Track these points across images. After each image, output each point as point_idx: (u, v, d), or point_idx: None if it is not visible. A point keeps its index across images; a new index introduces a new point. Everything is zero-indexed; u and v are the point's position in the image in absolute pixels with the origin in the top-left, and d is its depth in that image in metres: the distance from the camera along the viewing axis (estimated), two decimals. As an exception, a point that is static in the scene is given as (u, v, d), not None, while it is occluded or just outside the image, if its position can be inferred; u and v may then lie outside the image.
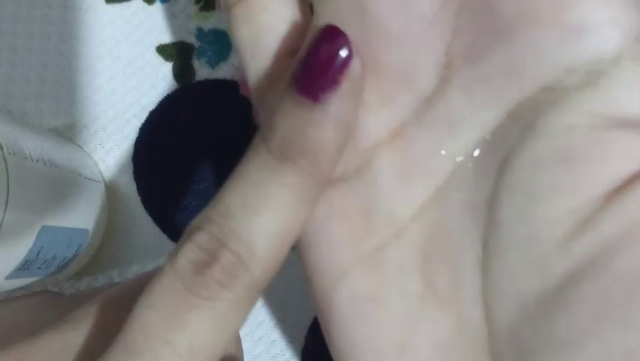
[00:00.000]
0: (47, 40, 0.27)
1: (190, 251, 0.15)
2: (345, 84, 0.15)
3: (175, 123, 0.27)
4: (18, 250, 0.20)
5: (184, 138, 0.27)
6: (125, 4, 0.27)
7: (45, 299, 0.23)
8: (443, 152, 0.17)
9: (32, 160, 0.21)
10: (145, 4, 0.27)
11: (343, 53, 0.15)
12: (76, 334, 0.17)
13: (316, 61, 0.16)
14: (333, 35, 0.16)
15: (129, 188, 0.27)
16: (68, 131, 0.27)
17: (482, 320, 0.16)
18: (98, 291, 0.20)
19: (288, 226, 0.16)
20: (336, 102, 0.15)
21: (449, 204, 0.17)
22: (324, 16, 0.17)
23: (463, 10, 0.16)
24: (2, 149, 0.19)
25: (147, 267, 0.26)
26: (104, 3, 0.27)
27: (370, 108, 0.17)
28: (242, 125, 0.27)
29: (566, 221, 0.15)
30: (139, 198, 0.27)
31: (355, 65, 0.16)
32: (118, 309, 0.16)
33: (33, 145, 0.21)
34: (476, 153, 0.16)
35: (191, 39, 0.27)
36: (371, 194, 0.17)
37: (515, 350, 0.15)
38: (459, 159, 0.17)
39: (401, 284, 0.17)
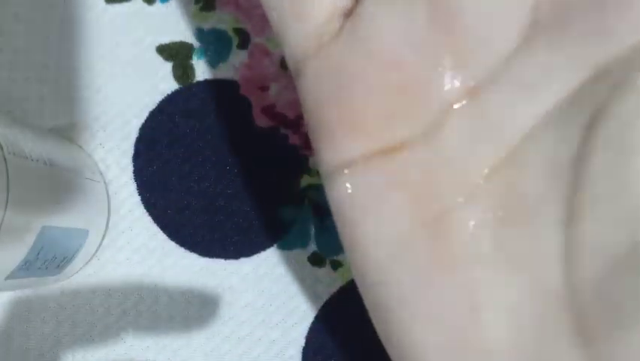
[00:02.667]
0: (47, 40, 0.27)
1: None
2: None
3: (175, 123, 0.27)
4: (18, 250, 0.20)
5: (184, 138, 0.27)
6: (125, 4, 0.27)
7: None
8: (519, 112, 0.16)
9: (32, 160, 0.21)
10: (145, 4, 0.27)
11: None
12: None
13: None
14: None
15: (129, 188, 0.27)
16: (68, 132, 0.27)
17: (560, 279, 0.16)
18: None
19: None
20: None
21: (525, 165, 0.16)
22: None
23: None
24: (2, 149, 0.19)
25: (147, 267, 0.26)
26: (104, 3, 0.27)
27: (444, 69, 0.16)
28: (242, 125, 0.27)
29: None
30: (139, 198, 0.27)
31: None
32: None
33: (33, 145, 0.21)
34: (558, 112, 0.16)
35: (191, 39, 0.27)
36: (440, 156, 0.17)
37: (602, 305, 0.15)
38: (537, 118, 0.16)
39: (471, 248, 0.16)
